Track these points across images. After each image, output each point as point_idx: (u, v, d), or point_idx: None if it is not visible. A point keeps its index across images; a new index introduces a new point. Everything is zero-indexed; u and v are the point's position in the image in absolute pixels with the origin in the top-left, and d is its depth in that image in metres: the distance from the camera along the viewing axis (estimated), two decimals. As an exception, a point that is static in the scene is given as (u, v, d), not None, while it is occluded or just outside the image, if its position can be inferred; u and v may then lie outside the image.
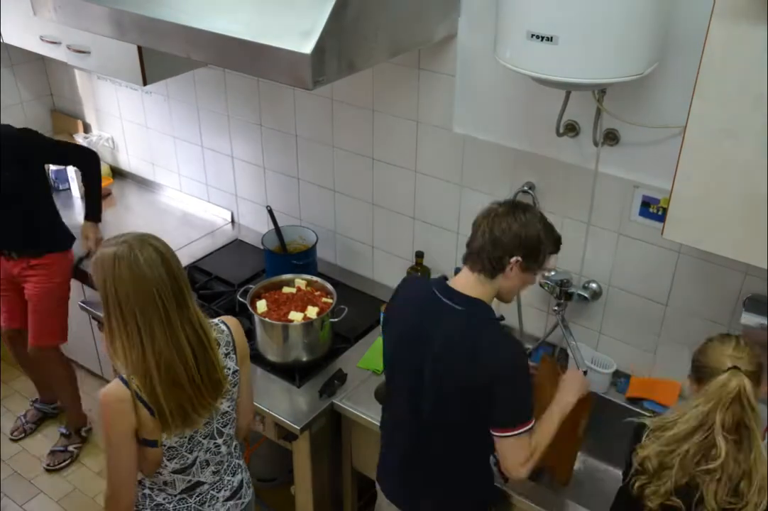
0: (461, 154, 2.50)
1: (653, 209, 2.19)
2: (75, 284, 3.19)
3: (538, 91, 2.07)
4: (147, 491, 1.98)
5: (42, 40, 2.88)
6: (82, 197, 2.97)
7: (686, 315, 2.28)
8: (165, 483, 1.94)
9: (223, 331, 1.92)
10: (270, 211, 2.88)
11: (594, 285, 2.41)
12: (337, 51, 1.86)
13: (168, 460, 1.87)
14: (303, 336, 2.51)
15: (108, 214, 3.55)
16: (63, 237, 3.04)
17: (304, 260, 2.83)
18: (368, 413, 2.39)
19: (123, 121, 3.59)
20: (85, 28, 2.33)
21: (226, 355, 1.90)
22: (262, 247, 2.91)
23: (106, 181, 3.65)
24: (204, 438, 1.90)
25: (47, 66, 3.76)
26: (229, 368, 1.90)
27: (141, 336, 1.70)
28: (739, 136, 1.63)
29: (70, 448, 3.35)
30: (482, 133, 2.41)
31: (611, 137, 2.16)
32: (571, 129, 2.22)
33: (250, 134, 3.08)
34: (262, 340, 2.55)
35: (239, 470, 2.09)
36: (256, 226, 3.31)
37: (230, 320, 1.97)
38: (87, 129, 3.81)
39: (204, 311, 1.87)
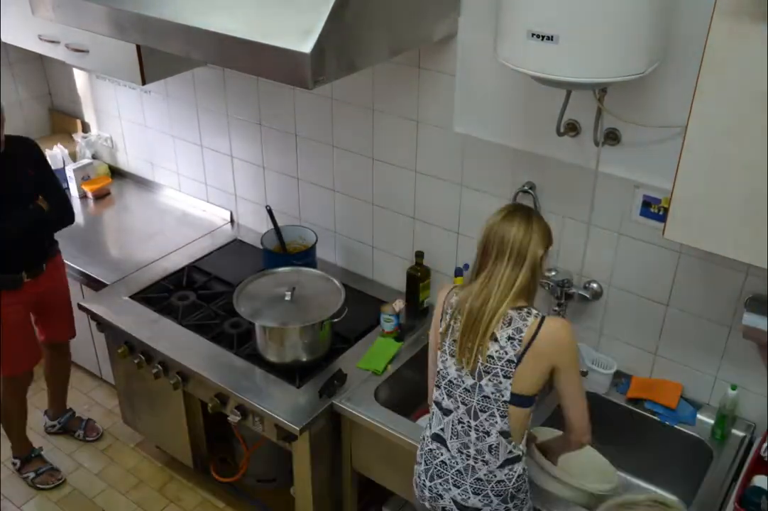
0: (461, 154, 2.49)
1: (654, 209, 2.18)
2: (74, 285, 3.19)
3: (538, 90, 2.06)
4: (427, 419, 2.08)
5: (40, 39, 2.87)
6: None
7: (687, 315, 2.28)
8: (430, 417, 2.04)
9: (525, 319, 1.85)
10: (269, 211, 2.88)
11: (594, 285, 2.40)
12: (337, 50, 1.85)
13: (435, 386, 1.99)
14: (303, 336, 2.50)
15: (107, 214, 3.56)
16: (54, 242, 3.02)
17: (303, 259, 2.82)
18: (368, 413, 2.38)
19: (122, 120, 3.58)
20: (83, 27, 2.32)
21: (510, 338, 1.84)
22: (261, 247, 2.91)
23: (104, 181, 3.65)
24: (462, 402, 1.92)
25: (46, 65, 3.75)
26: (503, 351, 1.84)
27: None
28: (740, 135, 1.63)
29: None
30: (482, 132, 2.40)
31: (612, 137, 2.16)
32: (572, 128, 2.21)
33: (250, 134, 3.08)
34: (262, 340, 2.55)
35: (481, 494, 1.94)
36: (255, 226, 3.30)
37: (551, 323, 1.86)
38: (86, 128, 3.80)
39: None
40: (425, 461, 2.03)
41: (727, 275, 2.14)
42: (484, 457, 1.93)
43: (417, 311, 2.79)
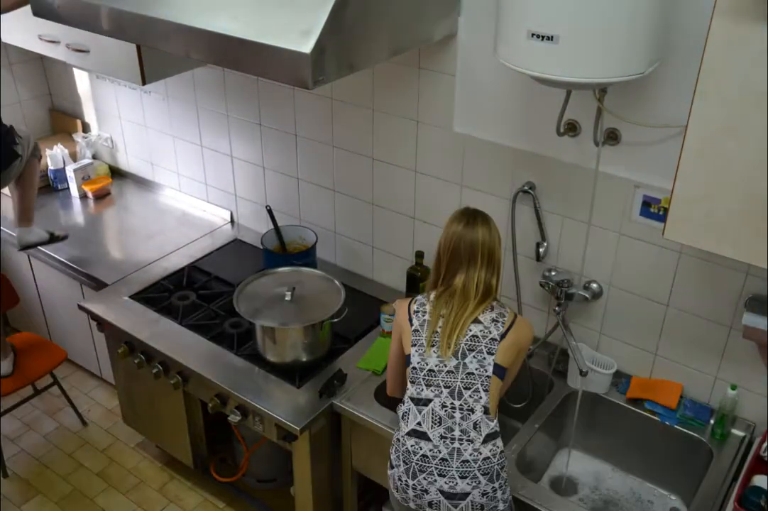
0: (461, 153, 2.49)
1: (654, 209, 2.18)
2: (74, 284, 3.19)
3: (538, 90, 2.07)
4: (399, 421, 2.09)
5: (41, 39, 2.87)
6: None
7: (687, 315, 2.28)
8: (404, 417, 2.06)
9: (502, 307, 2.07)
10: (269, 211, 2.88)
11: (594, 285, 2.40)
12: (337, 50, 1.85)
13: (410, 382, 2.06)
14: (303, 336, 2.50)
15: (107, 214, 3.56)
16: None
17: (303, 259, 2.83)
18: (368, 413, 2.38)
19: (122, 120, 3.59)
20: (84, 28, 2.32)
21: (494, 320, 2.02)
22: (261, 247, 2.91)
23: (105, 181, 3.65)
24: (445, 386, 2.01)
25: (46, 65, 3.75)
26: (486, 331, 2.01)
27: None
28: (740, 135, 1.63)
29: None
30: (482, 132, 2.40)
31: (612, 137, 2.16)
32: (572, 128, 2.21)
33: (250, 134, 3.08)
34: (262, 340, 2.55)
35: (469, 476, 1.97)
36: (255, 226, 3.30)
37: (525, 320, 2.13)
38: (86, 128, 3.80)
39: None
40: (404, 462, 2.04)
41: (727, 275, 2.14)
42: (469, 435, 1.98)
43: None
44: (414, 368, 2.04)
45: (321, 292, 2.61)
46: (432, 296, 2.09)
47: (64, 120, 3.84)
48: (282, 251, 2.92)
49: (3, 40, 3.09)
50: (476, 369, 1.99)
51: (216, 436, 3.03)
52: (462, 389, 1.99)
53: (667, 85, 1.99)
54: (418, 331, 2.06)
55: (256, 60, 1.89)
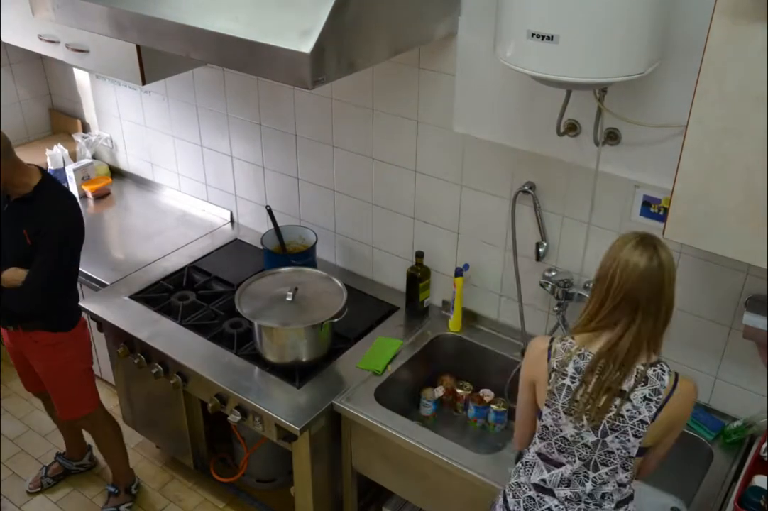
0: (461, 153, 2.49)
1: (654, 209, 2.18)
2: (74, 284, 3.19)
3: (538, 90, 2.07)
4: (519, 465, 1.94)
5: (40, 39, 2.87)
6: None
7: (687, 315, 2.27)
8: (527, 465, 1.91)
9: (661, 378, 1.73)
10: (269, 211, 2.88)
11: (594, 285, 2.40)
12: (337, 50, 1.85)
13: (539, 438, 1.85)
14: (303, 336, 2.50)
15: (107, 214, 3.56)
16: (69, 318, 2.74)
17: (303, 259, 2.83)
18: (368, 413, 2.38)
19: (122, 120, 3.59)
20: (83, 28, 2.32)
21: (646, 399, 1.73)
22: (261, 247, 2.91)
23: (104, 181, 3.65)
24: (579, 458, 1.81)
25: (46, 65, 3.75)
26: (636, 411, 1.73)
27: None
28: (740, 135, 1.63)
29: (122, 508, 3.06)
30: (482, 132, 2.40)
31: (612, 137, 2.16)
32: (572, 128, 2.21)
33: (250, 134, 3.08)
34: (262, 340, 2.55)
35: None
36: (255, 226, 3.30)
37: (685, 385, 1.75)
38: (86, 128, 3.80)
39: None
40: (525, 508, 1.89)
41: (727, 275, 2.14)
42: (596, 501, 1.85)
43: (417, 310, 2.79)
44: (545, 426, 1.83)
45: (323, 292, 2.61)
46: (575, 349, 1.77)
47: (63, 120, 3.85)
48: (282, 251, 2.92)
49: (3, 39, 3.09)
50: (617, 449, 1.77)
51: (216, 436, 3.03)
52: (599, 464, 1.80)
53: (667, 85, 1.99)
54: (554, 394, 1.78)
55: (256, 60, 1.89)
